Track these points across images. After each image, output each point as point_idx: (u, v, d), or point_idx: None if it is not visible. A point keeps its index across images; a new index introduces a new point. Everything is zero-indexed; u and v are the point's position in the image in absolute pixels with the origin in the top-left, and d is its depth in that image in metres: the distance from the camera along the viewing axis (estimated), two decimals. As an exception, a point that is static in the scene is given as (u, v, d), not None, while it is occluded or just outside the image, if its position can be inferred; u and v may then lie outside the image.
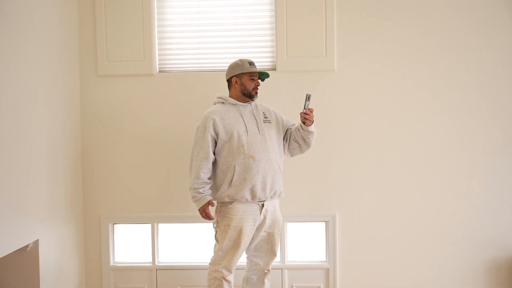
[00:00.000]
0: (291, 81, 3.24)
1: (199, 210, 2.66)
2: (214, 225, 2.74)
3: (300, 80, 3.24)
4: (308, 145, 2.78)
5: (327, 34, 3.22)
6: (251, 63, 2.73)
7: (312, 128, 2.70)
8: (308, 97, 2.67)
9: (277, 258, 3.23)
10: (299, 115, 2.70)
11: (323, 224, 3.29)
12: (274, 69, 3.27)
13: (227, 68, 2.81)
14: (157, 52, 3.30)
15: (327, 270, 3.27)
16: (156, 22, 3.29)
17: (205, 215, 2.66)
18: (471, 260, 3.24)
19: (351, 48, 3.24)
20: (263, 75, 2.77)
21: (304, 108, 2.66)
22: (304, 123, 2.68)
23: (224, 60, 3.28)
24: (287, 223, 3.28)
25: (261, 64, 3.27)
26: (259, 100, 2.88)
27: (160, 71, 3.32)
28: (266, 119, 2.77)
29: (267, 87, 3.16)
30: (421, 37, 3.22)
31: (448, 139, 3.23)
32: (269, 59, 3.30)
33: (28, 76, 2.59)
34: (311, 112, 2.66)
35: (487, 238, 3.23)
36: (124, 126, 3.30)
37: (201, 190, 2.63)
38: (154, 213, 3.30)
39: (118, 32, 3.26)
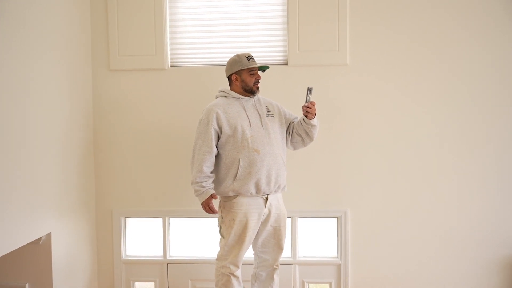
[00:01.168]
0: (303, 76, 3.21)
1: (202, 204, 2.65)
2: (219, 221, 2.73)
3: (312, 75, 3.20)
4: (311, 138, 2.76)
5: (340, 28, 3.18)
6: (249, 57, 2.68)
7: (314, 121, 2.67)
8: (309, 90, 2.64)
9: (288, 254, 3.23)
10: (301, 109, 2.67)
11: (335, 220, 3.27)
12: (286, 63, 3.24)
13: (225, 64, 2.77)
14: (168, 47, 3.29)
15: (339, 266, 3.25)
16: (168, 17, 3.29)
17: (209, 209, 2.65)
18: (484, 258, 3.19)
19: (364, 42, 3.19)
20: (263, 67, 2.72)
21: (306, 102, 2.64)
22: (306, 116, 2.65)
23: (235, 55, 3.26)
24: (298, 218, 3.26)
25: (272, 58, 3.25)
26: (270, 94, 2.85)
27: (171, 66, 3.32)
28: (269, 113, 2.74)
29: (278, 81, 3.14)
30: (437, 32, 3.16)
31: (461, 135, 3.17)
32: (281, 54, 3.27)
33: (40, 70, 2.61)
34: (313, 105, 2.63)
35: (501, 235, 3.17)
36: (136, 120, 3.31)
37: (204, 184, 2.61)
38: (165, 207, 3.31)
39: (130, 27, 3.27)
